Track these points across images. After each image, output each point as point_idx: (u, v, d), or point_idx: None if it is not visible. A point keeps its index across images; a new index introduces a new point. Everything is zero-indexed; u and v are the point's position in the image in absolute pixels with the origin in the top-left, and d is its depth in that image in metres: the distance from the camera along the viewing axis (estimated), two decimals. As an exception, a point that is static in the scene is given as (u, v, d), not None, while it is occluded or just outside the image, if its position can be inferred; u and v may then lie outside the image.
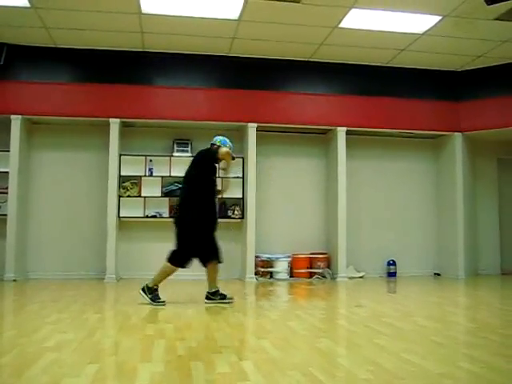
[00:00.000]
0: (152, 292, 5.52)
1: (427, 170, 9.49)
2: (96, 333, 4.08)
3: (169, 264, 5.57)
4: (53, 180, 8.46)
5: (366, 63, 8.77)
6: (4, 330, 4.38)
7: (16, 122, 8.06)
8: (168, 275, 5.63)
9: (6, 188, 8.06)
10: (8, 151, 8.04)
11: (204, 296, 5.72)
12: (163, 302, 5.51)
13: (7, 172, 8.03)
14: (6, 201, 8.08)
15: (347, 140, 8.71)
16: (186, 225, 5.60)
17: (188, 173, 5.74)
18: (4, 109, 8.03)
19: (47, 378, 2.71)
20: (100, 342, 3.77)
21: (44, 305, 5.40)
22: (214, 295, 5.69)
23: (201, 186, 5.63)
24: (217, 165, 5.80)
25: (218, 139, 5.83)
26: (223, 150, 5.63)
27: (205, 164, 5.70)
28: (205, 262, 5.68)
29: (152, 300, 5.47)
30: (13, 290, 7.03)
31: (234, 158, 5.87)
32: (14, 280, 7.78)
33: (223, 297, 5.70)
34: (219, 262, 5.77)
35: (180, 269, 5.61)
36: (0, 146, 8.19)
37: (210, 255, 5.65)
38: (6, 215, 7.97)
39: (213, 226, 5.73)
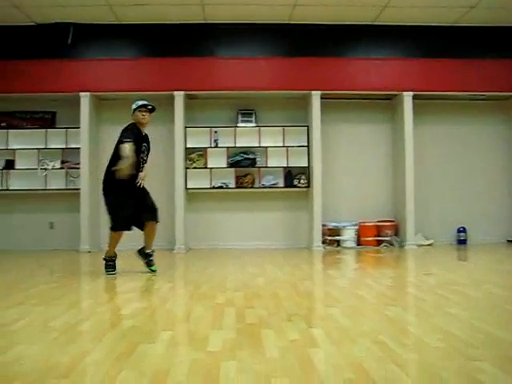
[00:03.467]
0: (106, 262, 5.67)
1: (499, 133, 9.10)
2: (168, 301, 4.21)
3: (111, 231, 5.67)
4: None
5: (433, 24, 8.44)
6: (82, 299, 4.60)
7: (85, 99, 8.32)
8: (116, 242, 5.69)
9: (78, 163, 8.36)
10: (78, 128, 8.32)
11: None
12: (113, 271, 5.63)
13: (79, 148, 8.33)
14: (78, 176, 8.40)
15: (414, 105, 8.48)
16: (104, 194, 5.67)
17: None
18: (73, 87, 8.30)
19: (125, 343, 2.83)
20: (172, 310, 3.90)
21: (119, 275, 5.59)
22: (142, 254, 5.76)
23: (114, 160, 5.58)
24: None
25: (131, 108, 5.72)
26: (123, 150, 5.41)
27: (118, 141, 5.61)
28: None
29: (105, 268, 5.64)
30: (88, 261, 7.33)
31: (148, 107, 5.68)
32: (89, 251, 8.12)
33: (148, 264, 5.73)
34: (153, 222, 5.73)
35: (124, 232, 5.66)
36: (71, 123, 8.50)
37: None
38: (79, 189, 8.29)
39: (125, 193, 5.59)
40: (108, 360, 2.53)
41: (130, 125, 5.65)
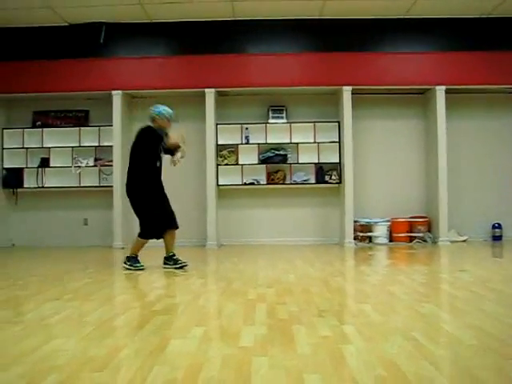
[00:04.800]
0: (130, 260, 5.75)
1: (536, 127, 8.91)
2: (201, 297, 4.25)
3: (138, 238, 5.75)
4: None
5: (465, 16, 8.29)
6: (116, 295, 4.67)
7: (117, 97, 8.43)
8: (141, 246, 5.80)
9: (111, 161, 8.48)
10: (111, 125, 8.44)
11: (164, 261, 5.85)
12: (142, 265, 5.72)
13: (111, 145, 8.45)
14: (111, 173, 8.52)
15: (446, 99, 8.35)
16: (136, 199, 5.69)
17: (132, 149, 5.72)
18: (105, 85, 8.42)
19: (157, 338, 2.87)
20: (205, 306, 3.93)
21: (151, 271, 5.66)
22: (169, 260, 5.79)
23: (142, 163, 5.63)
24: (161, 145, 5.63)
25: (155, 111, 5.73)
26: (171, 140, 5.52)
27: (148, 144, 5.60)
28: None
29: (131, 265, 5.70)
30: (121, 257, 7.42)
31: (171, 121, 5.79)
32: (122, 247, 8.23)
33: (176, 262, 5.77)
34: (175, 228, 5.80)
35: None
36: (104, 121, 8.62)
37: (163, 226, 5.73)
38: (111, 186, 8.42)
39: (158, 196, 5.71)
40: (141, 355, 2.56)
41: (150, 128, 5.67)
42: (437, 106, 8.33)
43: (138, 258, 5.78)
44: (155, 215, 5.64)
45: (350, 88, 8.33)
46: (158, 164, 5.71)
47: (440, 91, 8.32)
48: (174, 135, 5.57)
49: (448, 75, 8.34)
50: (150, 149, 5.58)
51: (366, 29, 8.42)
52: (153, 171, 5.66)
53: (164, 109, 5.77)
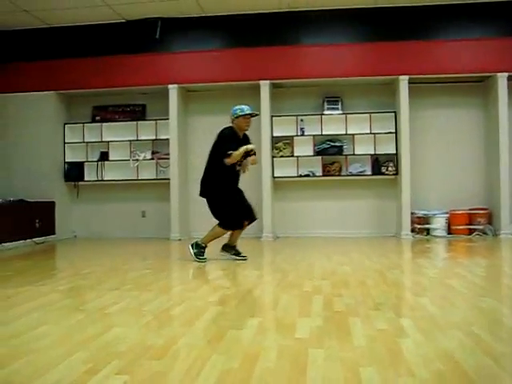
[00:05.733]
0: (199, 248, 5.79)
1: None
2: (256, 288, 4.28)
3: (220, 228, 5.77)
4: (207, 144, 8.76)
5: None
6: (173, 285, 4.76)
7: (173, 91, 8.55)
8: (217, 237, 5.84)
9: (168, 154, 8.62)
10: (167, 119, 8.58)
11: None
12: (205, 258, 5.75)
13: (168, 139, 8.58)
14: (168, 166, 8.66)
15: (509, 86, 8.07)
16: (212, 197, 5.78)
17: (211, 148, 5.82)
18: (162, 79, 8.56)
19: (214, 329, 2.92)
20: (260, 297, 3.96)
21: (209, 262, 5.73)
22: (228, 248, 5.88)
23: (216, 166, 5.69)
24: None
25: (231, 112, 5.73)
26: (230, 159, 5.52)
27: (219, 146, 5.67)
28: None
29: (196, 255, 5.74)
30: (178, 249, 7.56)
31: (253, 116, 5.78)
32: (179, 239, 8.36)
33: (237, 253, 5.86)
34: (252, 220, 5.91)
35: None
36: (160, 115, 8.77)
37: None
38: (168, 179, 8.55)
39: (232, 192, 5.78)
40: (199, 344, 2.61)
41: (227, 130, 5.72)
42: (498, 94, 8.04)
43: (205, 251, 5.83)
44: (233, 209, 5.72)
45: (406, 77, 8.16)
46: (236, 168, 5.76)
47: (502, 78, 8.02)
48: (238, 151, 5.56)
49: (510, 61, 8.03)
50: (220, 151, 5.62)
51: (421, 16, 8.21)
52: (227, 174, 5.72)
53: (238, 107, 5.76)
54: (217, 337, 2.72)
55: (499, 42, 8.08)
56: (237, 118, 5.69)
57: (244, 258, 5.81)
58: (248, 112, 5.71)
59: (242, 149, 5.56)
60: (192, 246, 5.84)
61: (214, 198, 5.76)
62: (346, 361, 2.31)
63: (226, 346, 2.58)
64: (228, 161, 5.53)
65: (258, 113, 5.86)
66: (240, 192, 5.90)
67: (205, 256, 5.78)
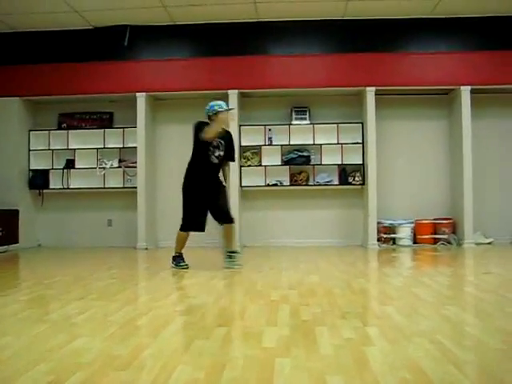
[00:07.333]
0: (175, 259, 5.90)
1: None
2: (223, 298, 4.26)
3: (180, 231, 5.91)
4: (175, 153, 8.71)
5: (490, 14, 8.13)
6: (139, 295, 4.70)
7: (141, 99, 8.50)
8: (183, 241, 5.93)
9: (135, 162, 8.54)
10: (135, 127, 8.51)
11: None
12: (186, 264, 5.88)
13: (135, 147, 8.51)
14: (135, 174, 8.58)
15: (472, 99, 8.24)
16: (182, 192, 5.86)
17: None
18: (130, 87, 8.50)
19: (180, 339, 2.89)
20: (227, 307, 3.94)
21: (173, 271, 5.70)
22: (229, 256, 5.98)
23: (192, 158, 5.80)
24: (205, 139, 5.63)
25: (209, 108, 5.73)
26: (207, 133, 5.54)
27: (194, 138, 5.72)
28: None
29: (176, 265, 5.87)
30: (145, 258, 7.49)
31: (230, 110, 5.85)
32: (146, 248, 8.29)
33: (178, 261, 5.94)
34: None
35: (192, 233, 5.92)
36: (128, 123, 8.70)
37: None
38: (135, 188, 8.48)
39: (198, 195, 5.78)
40: (164, 354, 2.58)
41: (204, 123, 5.69)
42: (462, 107, 8.20)
43: (182, 257, 5.92)
44: (190, 211, 5.78)
45: (373, 89, 8.27)
46: (214, 160, 5.77)
47: (465, 91, 8.20)
48: (213, 127, 5.56)
49: (473, 75, 8.21)
50: (195, 143, 5.71)
51: (390, 29, 8.35)
52: (199, 167, 5.75)
53: (215, 103, 5.75)
54: (183, 347, 2.70)
55: (463, 55, 8.26)
56: (216, 114, 5.65)
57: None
58: (226, 108, 5.77)
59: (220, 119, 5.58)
60: (171, 261, 5.94)
61: (182, 193, 5.84)
62: (313, 370, 2.31)
63: (192, 355, 2.55)
64: (205, 135, 5.52)
65: (233, 107, 5.98)
66: (210, 195, 5.81)
67: (185, 262, 5.89)
